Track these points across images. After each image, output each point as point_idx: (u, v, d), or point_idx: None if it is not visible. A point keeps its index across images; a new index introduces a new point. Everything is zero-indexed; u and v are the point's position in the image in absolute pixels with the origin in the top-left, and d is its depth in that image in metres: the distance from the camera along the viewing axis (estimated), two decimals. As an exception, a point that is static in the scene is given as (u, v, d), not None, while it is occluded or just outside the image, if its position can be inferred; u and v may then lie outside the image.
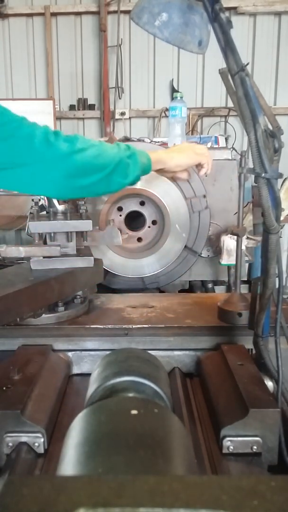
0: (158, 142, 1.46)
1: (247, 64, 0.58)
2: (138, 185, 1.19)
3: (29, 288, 0.74)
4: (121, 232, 1.15)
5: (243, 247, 1.22)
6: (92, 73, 3.52)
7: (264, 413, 0.56)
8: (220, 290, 1.37)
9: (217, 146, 2.07)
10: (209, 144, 1.83)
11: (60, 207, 0.90)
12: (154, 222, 1.27)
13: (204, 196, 1.23)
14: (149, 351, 0.62)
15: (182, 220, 1.22)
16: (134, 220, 1.31)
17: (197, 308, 0.89)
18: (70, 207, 0.91)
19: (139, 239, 1.27)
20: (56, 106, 3.33)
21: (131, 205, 1.26)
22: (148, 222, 1.26)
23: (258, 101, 0.57)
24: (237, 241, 0.91)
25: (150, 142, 1.30)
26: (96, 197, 1.24)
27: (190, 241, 1.24)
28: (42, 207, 0.99)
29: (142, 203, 1.26)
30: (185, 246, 1.24)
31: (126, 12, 3.24)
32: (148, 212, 1.26)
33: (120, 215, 1.26)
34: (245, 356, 0.71)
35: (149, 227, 1.27)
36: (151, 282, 1.26)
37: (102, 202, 1.23)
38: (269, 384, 0.64)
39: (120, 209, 1.27)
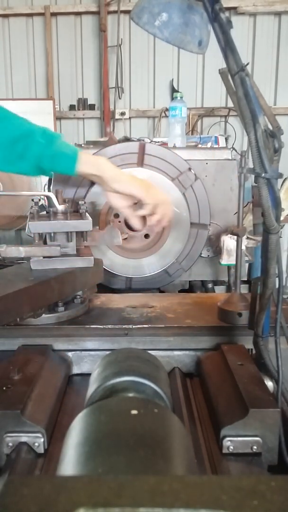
0: (158, 142, 1.46)
1: (247, 64, 0.58)
2: None
3: (29, 288, 0.74)
4: (121, 232, 1.15)
5: (243, 247, 1.22)
6: (92, 73, 3.53)
7: (264, 413, 0.56)
8: (220, 290, 1.37)
9: (217, 146, 2.07)
10: (209, 144, 1.83)
11: (60, 207, 0.91)
12: (146, 236, 1.26)
13: (190, 169, 1.20)
14: (149, 351, 0.62)
15: (177, 200, 1.21)
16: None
17: (197, 308, 0.89)
18: (70, 207, 0.91)
19: (147, 236, 1.26)
20: (56, 106, 3.33)
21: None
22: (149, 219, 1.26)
23: (258, 101, 0.57)
24: (237, 241, 0.91)
25: (150, 142, 1.30)
26: (96, 197, 1.24)
27: (195, 216, 1.22)
28: (42, 207, 0.99)
29: None
30: (192, 223, 1.21)
31: (126, 12, 3.24)
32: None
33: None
34: (245, 356, 0.71)
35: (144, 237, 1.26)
36: (176, 271, 1.24)
37: (103, 201, 1.23)
38: (269, 384, 0.64)
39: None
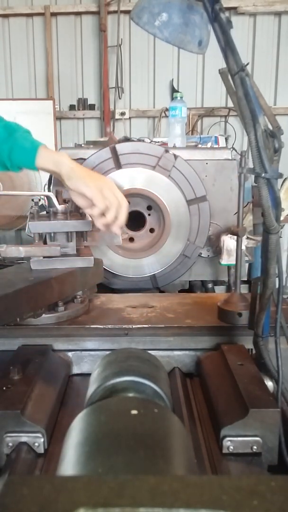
0: (158, 142, 1.46)
1: (247, 64, 0.58)
2: (141, 186, 1.20)
3: (29, 288, 0.74)
4: (121, 229, 1.14)
5: (243, 247, 1.22)
6: (92, 73, 3.53)
7: (264, 413, 0.56)
8: (220, 290, 1.37)
9: (217, 146, 2.07)
10: (209, 144, 1.83)
11: (60, 207, 0.90)
12: (151, 230, 1.27)
13: (166, 151, 1.19)
14: (149, 351, 0.62)
15: (167, 186, 1.19)
16: (131, 220, 1.30)
17: (197, 308, 0.89)
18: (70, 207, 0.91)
19: (131, 239, 1.27)
20: (56, 106, 3.33)
21: (138, 205, 1.26)
22: (147, 228, 1.26)
23: (258, 101, 0.57)
24: (237, 241, 0.91)
25: (150, 142, 1.30)
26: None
27: (189, 192, 1.21)
28: (42, 207, 0.99)
29: (149, 208, 1.25)
30: (189, 200, 1.20)
31: (126, 12, 3.24)
32: (150, 219, 1.26)
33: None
34: (245, 356, 0.71)
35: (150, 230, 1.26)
36: (193, 251, 1.22)
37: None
38: (269, 384, 0.64)
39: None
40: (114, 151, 1.21)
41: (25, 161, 0.72)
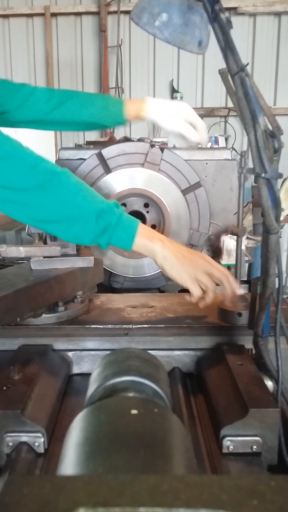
0: (159, 142, 1.46)
1: (247, 64, 0.58)
2: (133, 185, 1.20)
3: (29, 288, 0.74)
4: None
5: (243, 247, 1.22)
6: (92, 73, 3.53)
7: (264, 413, 0.56)
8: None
9: (217, 146, 2.07)
10: (209, 144, 1.83)
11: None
12: (153, 226, 1.27)
13: (152, 146, 1.20)
14: (149, 351, 0.62)
15: (165, 184, 1.20)
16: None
17: (197, 308, 0.89)
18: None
19: (153, 226, 1.26)
20: (56, 106, 3.32)
21: (135, 205, 1.27)
22: (148, 225, 1.26)
23: (258, 101, 0.57)
24: (237, 241, 0.91)
25: (150, 142, 1.30)
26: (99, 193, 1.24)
27: (183, 183, 1.21)
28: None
29: (146, 205, 1.26)
30: (184, 190, 1.20)
31: (126, 12, 3.25)
32: (150, 215, 1.26)
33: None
34: (245, 356, 0.71)
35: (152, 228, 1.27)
36: (199, 238, 1.22)
37: (107, 197, 1.24)
38: (269, 384, 0.64)
39: (123, 205, 1.27)
40: (101, 157, 1.22)
41: (120, 246, 0.73)
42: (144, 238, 0.72)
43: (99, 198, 0.72)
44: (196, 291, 0.74)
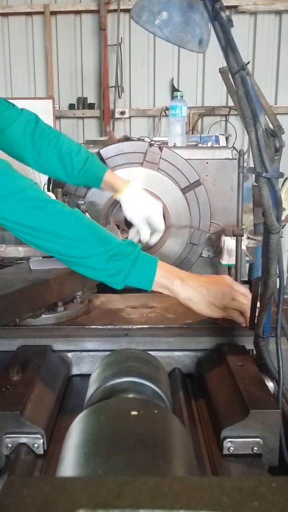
0: (159, 141, 1.45)
1: (248, 63, 0.57)
2: (140, 185, 1.20)
3: (28, 288, 0.73)
4: (121, 230, 1.15)
5: (244, 247, 1.22)
6: (92, 72, 3.52)
7: (265, 414, 0.56)
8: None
9: (217, 145, 2.06)
10: (209, 144, 1.83)
11: (60, 207, 0.90)
12: None
13: (151, 145, 1.20)
14: (149, 352, 0.62)
15: (162, 183, 1.20)
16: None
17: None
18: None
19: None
20: (55, 105, 3.33)
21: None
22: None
23: (259, 100, 0.57)
24: (237, 240, 0.91)
25: (150, 142, 1.30)
26: (95, 196, 1.24)
27: (183, 181, 1.22)
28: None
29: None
30: (184, 188, 1.20)
31: (126, 10, 3.24)
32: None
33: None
34: (245, 357, 0.70)
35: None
36: (200, 237, 1.22)
37: (102, 201, 1.23)
38: (270, 385, 0.64)
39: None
40: (99, 157, 1.22)
41: (138, 287, 0.73)
42: (164, 279, 0.71)
43: (112, 240, 0.71)
44: (236, 319, 0.74)
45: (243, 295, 0.74)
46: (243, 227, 1.23)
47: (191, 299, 0.72)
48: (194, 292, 0.72)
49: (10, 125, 1.02)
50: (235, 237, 1.20)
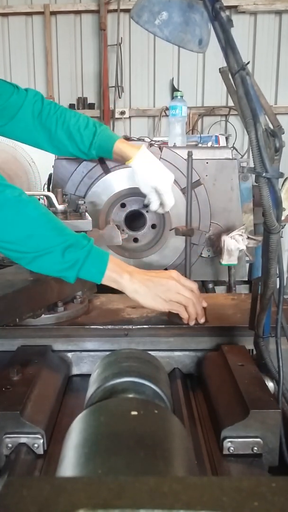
0: (159, 141, 1.45)
1: (248, 63, 0.57)
2: (131, 185, 1.20)
3: (28, 288, 0.73)
4: (121, 230, 1.15)
5: (244, 247, 1.22)
6: (92, 72, 3.52)
7: (265, 414, 0.56)
8: (220, 290, 1.37)
9: (217, 145, 2.06)
10: (209, 144, 1.82)
11: (60, 207, 0.90)
12: (153, 226, 1.27)
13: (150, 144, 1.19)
14: (149, 352, 0.62)
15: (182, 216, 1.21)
16: (134, 220, 1.30)
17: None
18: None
19: (135, 240, 1.27)
20: (56, 105, 3.31)
21: (135, 204, 1.26)
22: (148, 224, 1.26)
23: (259, 100, 0.57)
24: (186, 240, 0.89)
25: (150, 142, 1.30)
26: (95, 196, 1.24)
27: (182, 181, 1.21)
28: (41, 207, 0.99)
29: (146, 205, 1.25)
30: (184, 188, 1.20)
31: (126, 10, 3.24)
32: (150, 215, 1.26)
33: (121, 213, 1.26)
34: (245, 357, 0.70)
35: (151, 227, 1.26)
36: (200, 237, 1.22)
37: (102, 201, 1.23)
38: (270, 385, 0.64)
39: (123, 205, 1.27)
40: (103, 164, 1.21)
41: (88, 279, 0.73)
42: (114, 272, 0.72)
43: (67, 231, 0.71)
44: (180, 313, 0.75)
45: (189, 290, 0.75)
46: (242, 227, 1.23)
47: (137, 291, 0.73)
48: (140, 284, 0.73)
49: (18, 110, 1.00)
50: (235, 237, 1.20)
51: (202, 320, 0.77)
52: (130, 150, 1.02)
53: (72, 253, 0.69)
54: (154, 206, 1.05)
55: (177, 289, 0.74)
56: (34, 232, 0.69)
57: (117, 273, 0.72)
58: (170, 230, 1.23)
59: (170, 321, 0.79)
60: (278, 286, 0.62)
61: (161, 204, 1.06)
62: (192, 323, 0.77)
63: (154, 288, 0.73)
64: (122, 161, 1.06)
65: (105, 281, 0.72)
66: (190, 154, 0.84)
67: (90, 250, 0.70)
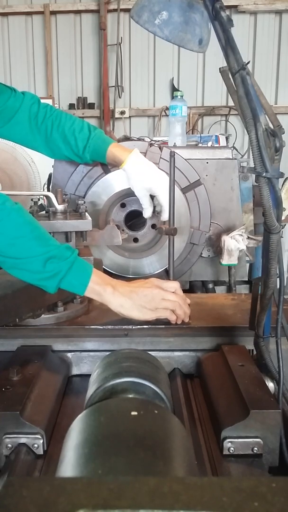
0: (159, 141, 1.45)
1: (248, 62, 0.57)
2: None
3: (28, 288, 0.73)
4: (121, 230, 1.15)
5: (244, 247, 1.22)
6: (92, 72, 3.52)
7: (265, 414, 0.56)
8: (220, 290, 1.37)
9: (217, 145, 2.06)
10: (209, 143, 1.82)
11: (60, 207, 0.90)
12: (153, 226, 1.27)
13: (150, 143, 1.20)
14: (149, 352, 0.62)
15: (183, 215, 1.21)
16: (134, 220, 1.30)
17: (198, 308, 0.89)
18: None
19: (135, 240, 1.27)
20: (55, 105, 3.32)
21: (135, 204, 1.26)
22: (148, 224, 1.26)
23: (259, 100, 0.57)
24: (169, 240, 0.89)
25: (150, 141, 1.29)
26: (95, 196, 1.24)
27: (183, 181, 1.21)
28: (41, 207, 0.99)
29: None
30: (184, 188, 1.20)
31: (126, 10, 3.24)
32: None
33: (121, 212, 1.26)
34: (246, 357, 0.70)
35: (151, 227, 1.26)
36: (200, 237, 1.23)
37: (102, 201, 1.23)
38: (270, 385, 0.64)
39: (123, 205, 1.27)
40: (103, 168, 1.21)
41: (71, 291, 0.73)
42: (97, 285, 0.72)
43: (51, 242, 0.71)
44: (168, 317, 0.75)
45: (172, 294, 0.75)
46: (242, 227, 1.23)
47: (122, 305, 0.73)
48: (124, 298, 0.73)
49: (15, 113, 1.01)
50: (236, 237, 1.20)
51: (187, 319, 0.77)
52: (123, 154, 1.02)
53: (54, 264, 0.69)
54: (147, 213, 1.05)
55: (161, 295, 0.74)
56: (15, 241, 0.69)
57: (100, 285, 0.72)
58: (155, 229, 1.23)
59: (168, 321, 0.79)
60: (278, 286, 0.62)
61: (157, 212, 1.05)
62: (180, 322, 0.77)
63: (138, 300, 0.73)
64: (116, 166, 1.06)
65: (88, 293, 0.72)
66: (172, 155, 0.84)
67: (74, 262, 0.70)
